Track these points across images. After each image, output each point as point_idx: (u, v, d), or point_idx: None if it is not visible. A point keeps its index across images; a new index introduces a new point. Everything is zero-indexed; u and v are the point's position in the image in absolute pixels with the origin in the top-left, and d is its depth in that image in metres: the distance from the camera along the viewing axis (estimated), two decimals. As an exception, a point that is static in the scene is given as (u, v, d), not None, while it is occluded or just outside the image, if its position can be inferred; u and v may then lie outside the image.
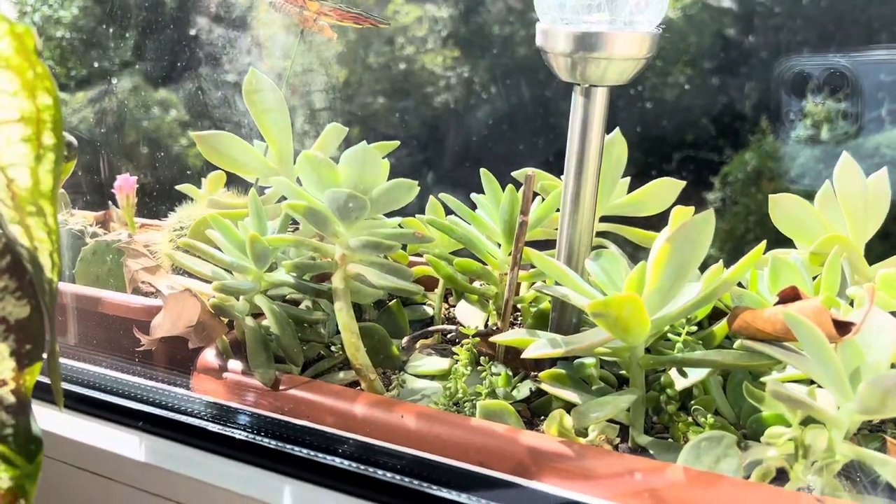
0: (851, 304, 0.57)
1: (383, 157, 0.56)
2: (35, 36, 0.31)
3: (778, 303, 0.44)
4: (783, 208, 0.62)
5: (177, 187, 0.75)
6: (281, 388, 0.50)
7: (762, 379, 0.51)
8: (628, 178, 0.72)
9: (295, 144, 0.62)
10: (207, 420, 0.48)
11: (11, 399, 0.35)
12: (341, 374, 0.53)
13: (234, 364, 0.52)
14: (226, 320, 0.51)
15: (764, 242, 0.48)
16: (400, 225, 0.57)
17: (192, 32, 1.02)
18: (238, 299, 0.53)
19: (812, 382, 0.50)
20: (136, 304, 0.58)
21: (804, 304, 0.42)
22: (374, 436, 0.45)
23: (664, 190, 0.69)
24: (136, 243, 0.55)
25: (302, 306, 0.59)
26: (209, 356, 0.53)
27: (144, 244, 0.69)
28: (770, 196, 0.63)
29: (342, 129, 0.65)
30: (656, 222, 0.74)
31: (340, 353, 0.56)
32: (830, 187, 0.62)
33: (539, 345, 0.46)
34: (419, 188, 0.51)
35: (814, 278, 0.58)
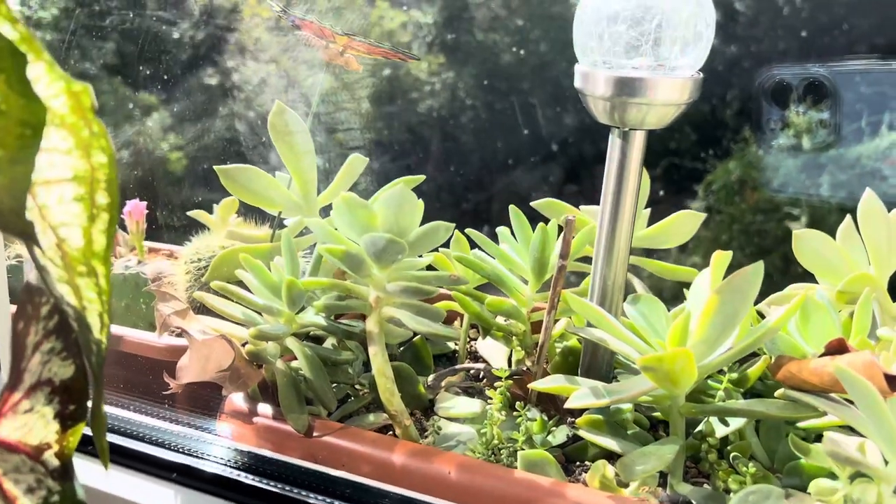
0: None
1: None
2: (92, 94, 0.30)
3: (824, 354, 0.44)
4: (807, 244, 0.62)
5: (189, 213, 0.73)
6: (314, 434, 0.48)
7: (799, 425, 0.51)
8: (649, 210, 0.72)
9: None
10: (240, 469, 0.46)
11: (55, 462, 0.34)
12: (371, 417, 0.52)
13: (264, 408, 0.51)
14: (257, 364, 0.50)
15: (806, 291, 0.48)
16: (430, 265, 0.56)
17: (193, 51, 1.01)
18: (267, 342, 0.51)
19: (850, 428, 0.50)
20: (160, 344, 0.56)
21: (854, 357, 0.41)
22: (414, 487, 0.44)
23: (686, 222, 0.69)
24: (166, 285, 0.54)
25: (326, 344, 0.58)
26: (237, 399, 0.52)
27: (158, 275, 0.67)
28: (794, 232, 0.63)
29: (363, 159, 0.64)
30: (665, 253, 0.74)
31: (367, 393, 0.55)
32: (851, 222, 0.62)
33: (582, 394, 0.45)
34: (454, 227, 0.50)
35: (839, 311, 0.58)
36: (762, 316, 0.57)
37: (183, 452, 0.47)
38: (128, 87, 1.06)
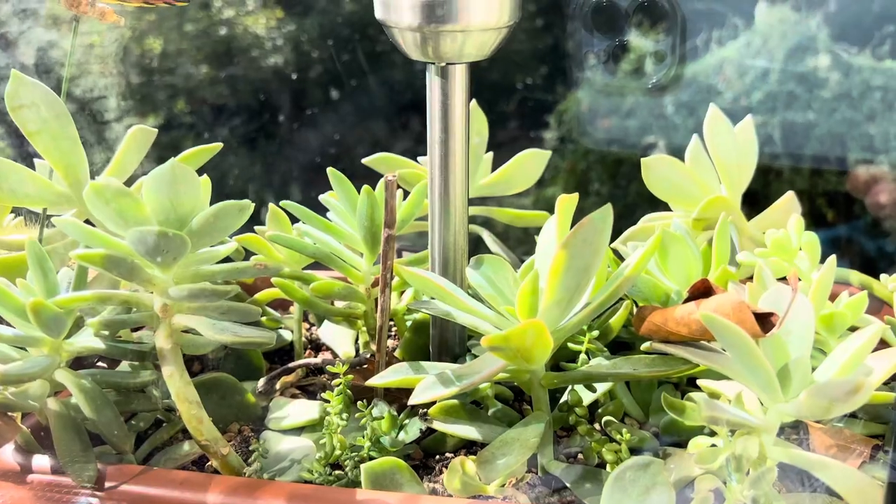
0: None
1: (200, 169, 0.45)
2: None
3: (688, 299, 0.39)
4: (657, 171, 0.58)
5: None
6: (108, 484, 0.39)
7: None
8: (491, 154, 0.65)
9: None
10: (10, 547, 0.36)
11: None
12: (186, 447, 0.43)
13: (41, 460, 0.40)
14: (17, 414, 0.40)
15: (660, 232, 0.42)
16: (238, 251, 0.47)
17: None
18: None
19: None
20: None
21: (720, 299, 0.36)
22: (238, 534, 0.36)
23: (531, 163, 0.64)
24: None
25: (124, 365, 0.48)
26: (5, 454, 0.41)
27: None
28: (643, 160, 0.58)
29: (149, 131, 0.53)
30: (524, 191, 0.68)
31: (181, 417, 0.46)
32: (699, 143, 0.59)
33: (427, 385, 0.38)
34: (253, 205, 0.41)
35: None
36: (620, 257, 0.52)
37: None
38: None
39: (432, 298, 0.45)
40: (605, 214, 0.35)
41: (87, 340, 0.41)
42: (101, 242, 0.37)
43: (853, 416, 0.47)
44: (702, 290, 0.38)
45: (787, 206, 0.60)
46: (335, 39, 0.97)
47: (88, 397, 0.39)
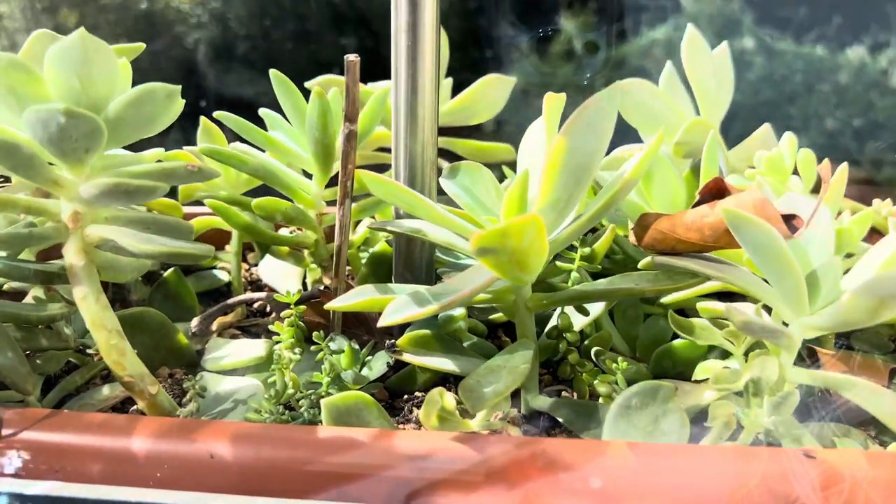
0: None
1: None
2: None
3: (698, 202, 0.34)
4: (634, 97, 0.53)
5: None
6: (5, 431, 0.31)
7: (663, 300, 0.42)
8: (451, 80, 0.60)
9: None
10: None
11: None
12: (106, 391, 0.36)
13: (-80, 408, 0.33)
14: None
15: (661, 133, 0.37)
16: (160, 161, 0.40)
17: None
18: None
19: (718, 296, 0.41)
20: None
21: (740, 198, 0.32)
22: (173, 483, 0.29)
23: (494, 89, 0.58)
24: None
25: (29, 298, 0.40)
26: None
27: None
28: (618, 83, 0.53)
29: (55, 36, 0.44)
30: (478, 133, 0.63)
31: (100, 357, 0.38)
32: (673, 69, 0.55)
33: (399, 305, 0.32)
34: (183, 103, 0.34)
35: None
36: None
37: None
38: None
39: (398, 217, 0.39)
40: (612, 94, 0.30)
41: (-23, 259, 0.33)
42: (-10, 127, 0.29)
43: (850, 348, 0.44)
44: (715, 191, 0.33)
45: (764, 137, 0.57)
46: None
47: (-22, 328, 0.32)
